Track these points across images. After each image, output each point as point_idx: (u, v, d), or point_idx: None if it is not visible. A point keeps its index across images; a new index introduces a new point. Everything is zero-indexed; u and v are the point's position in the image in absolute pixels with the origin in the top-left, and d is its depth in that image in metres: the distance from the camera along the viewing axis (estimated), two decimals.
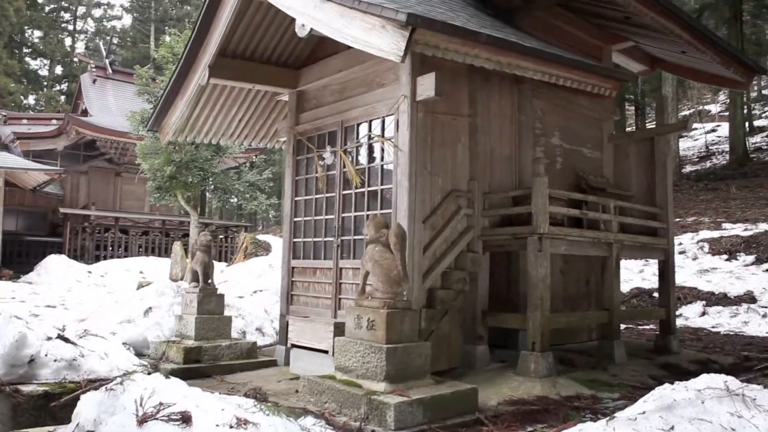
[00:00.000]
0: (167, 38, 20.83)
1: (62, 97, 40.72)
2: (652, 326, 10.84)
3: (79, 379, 4.79)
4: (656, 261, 8.59)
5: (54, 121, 27.03)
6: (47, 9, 44.43)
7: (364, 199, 6.93)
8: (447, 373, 6.14)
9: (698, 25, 7.84)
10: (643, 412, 3.36)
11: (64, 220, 24.61)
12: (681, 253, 14.51)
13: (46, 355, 4.80)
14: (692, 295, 12.32)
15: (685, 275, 13.20)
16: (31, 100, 43.09)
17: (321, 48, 7.68)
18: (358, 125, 7.12)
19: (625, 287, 12.64)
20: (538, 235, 6.26)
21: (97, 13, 48.77)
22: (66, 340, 5.08)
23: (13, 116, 28.00)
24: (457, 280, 6.48)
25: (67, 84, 44.03)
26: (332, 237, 7.25)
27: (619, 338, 7.25)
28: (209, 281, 7.89)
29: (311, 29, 5.87)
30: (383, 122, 6.69)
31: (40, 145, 25.32)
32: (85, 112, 27.31)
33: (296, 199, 8.02)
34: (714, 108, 38.07)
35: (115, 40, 47.99)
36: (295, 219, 7.99)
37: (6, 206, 21.32)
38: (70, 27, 47.87)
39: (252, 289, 12.09)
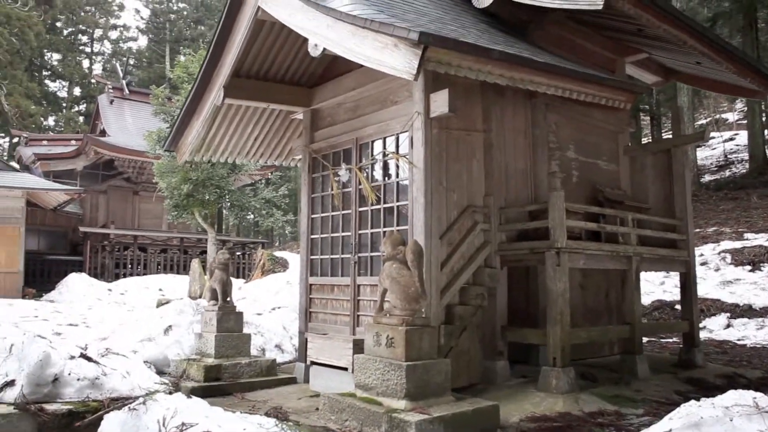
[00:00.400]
0: (182, 58, 21.15)
1: (81, 118, 41.39)
2: (675, 339, 10.70)
3: (102, 397, 4.84)
4: (677, 273, 8.49)
5: (73, 142, 27.47)
6: (65, 32, 45.30)
7: (380, 216, 6.95)
8: (467, 389, 6.10)
9: (712, 35, 7.81)
10: (670, 430, 3.32)
11: (84, 239, 24.91)
12: (702, 264, 14.33)
13: (69, 374, 4.86)
14: (716, 307, 12.15)
15: (707, 287, 13.03)
16: (50, 121, 43.84)
17: (334, 66, 7.76)
18: (373, 142, 7.16)
19: (646, 300, 12.51)
20: (555, 250, 6.23)
21: (114, 35, 49.65)
22: (88, 359, 5.13)
23: (33, 138, 28.51)
24: (475, 295, 6.47)
25: (85, 105, 44.77)
26: (349, 254, 7.28)
27: (642, 352, 7.17)
28: (228, 299, 7.94)
29: (324, 49, 5.94)
30: (397, 139, 6.73)
31: (60, 165, 25.73)
32: (103, 132, 27.73)
33: (313, 216, 8.06)
34: (731, 116, 37.75)
35: (131, 61, 48.80)
36: (312, 236, 8.03)
37: (28, 226, 21.64)
38: (88, 49, 48.74)
39: (270, 306, 12.13)
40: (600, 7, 5.97)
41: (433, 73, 5.69)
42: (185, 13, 49.49)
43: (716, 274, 14.15)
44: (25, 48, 32.09)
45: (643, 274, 8.46)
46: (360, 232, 7.20)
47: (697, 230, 17.08)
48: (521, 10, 7.38)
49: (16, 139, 32.94)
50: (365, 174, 7.14)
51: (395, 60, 5.16)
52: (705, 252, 15.32)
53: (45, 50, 41.76)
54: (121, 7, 48.81)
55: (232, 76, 7.45)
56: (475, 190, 6.79)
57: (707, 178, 26.69)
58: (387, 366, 4.94)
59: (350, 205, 7.38)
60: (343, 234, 7.46)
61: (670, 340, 10.86)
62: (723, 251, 15.22)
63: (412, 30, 4.92)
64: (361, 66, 6.14)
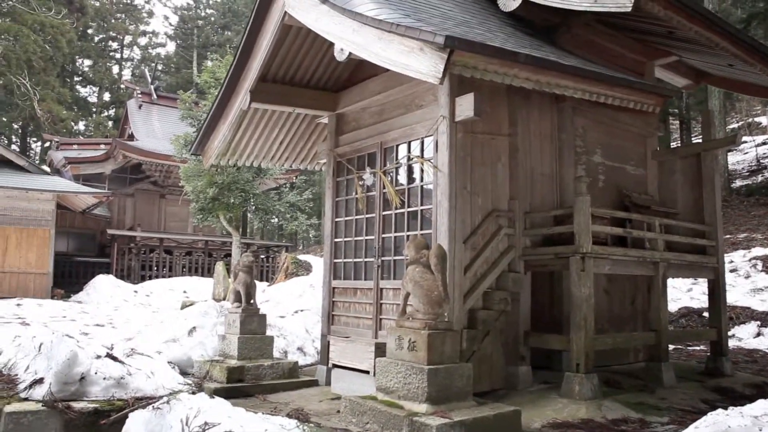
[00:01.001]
0: (209, 63, 21.41)
1: (110, 123, 42.12)
2: (702, 347, 10.49)
3: (127, 397, 4.91)
4: (705, 280, 8.33)
5: (102, 146, 27.98)
6: (96, 39, 46.20)
7: (404, 220, 6.94)
8: (489, 394, 6.05)
9: (745, 37, 7.66)
10: None
11: (112, 241, 25.32)
12: (732, 271, 14.04)
13: (95, 373, 4.94)
14: (745, 315, 11.88)
15: (737, 294, 12.75)
16: (80, 126, 44.69)
17: (359, 71, 7.79)
18: (397, 146, 7.16)
19: (672, 306, 12.29)
20: (581, 255, 6.16)
21: (143, 41, 50.47)
22: (114, 358, 5.21)
23: (64, 142, 29.11)
24: (498, 300, 6.42)
25: (114, 110, 45.55)
26: (372, 257, 7.28)
27: (668, 360, 7.04)
28: (251, 301, 7.99)
29: (350, 53, 5.96)
30: (422, 143, 6.72)
31: (89, 169, 26.20)
32: (131, 137, 28.20)
33: (336, 220, 8.08)
34: (765, 120, 36.98)
35: (159, 67, 49.57)
36: (336, 240, 8.05)
37: (58, 228, 22.06)
38: (118, 55, 49.62)
39: (293, 309, 12.19)
40: (629, 9, 5.89)
41: (458, 77, 5.68)
42: (213, 19, 50.16)
43: (746, 282, 13.85)
44: (58, 54, 32.79)
45: (670, 281, 8.32)
46: (384, 235, 7.20)
47: (727, 236, 16.74)
48: (548, 13, 7.34)
49: (47, 143, 33.68)
50: (389, 178, 7.14)
51: (421, 64, 5.16)
52: (735, 259, 15.01)
53: (77, 56, 42.62)
54: (151, 14, 49.66)
55: (258, 81, 7.52)
56: (499, 194, 6.75)
57: (738, 183, 26.16)
58: (409, 369, 4.92)
59: (374, 209, 7.38)
60: (367, 237, 7.47)
61: (698, 348, 10.66)
62: (754, 258, 14.90)
63: (438, 34, 4.91)
64: (387, 70, 6.15)
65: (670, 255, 7.18)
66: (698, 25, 6.78)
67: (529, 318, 6.70)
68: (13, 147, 37.31)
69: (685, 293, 14.04)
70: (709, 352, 8.13)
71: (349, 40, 5.89)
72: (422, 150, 6.71)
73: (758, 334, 11.27)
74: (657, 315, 7.05)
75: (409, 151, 6.95)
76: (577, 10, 6.59)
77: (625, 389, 6.52)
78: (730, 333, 10.31)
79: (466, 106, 5.88)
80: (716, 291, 8.01)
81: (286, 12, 6.81)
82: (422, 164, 6.64)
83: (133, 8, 47.84)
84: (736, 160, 29.77)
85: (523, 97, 6.91)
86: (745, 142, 30.36)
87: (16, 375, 5.35)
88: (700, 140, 8.47)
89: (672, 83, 9.77)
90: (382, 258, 7.15)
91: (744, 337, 11.26)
